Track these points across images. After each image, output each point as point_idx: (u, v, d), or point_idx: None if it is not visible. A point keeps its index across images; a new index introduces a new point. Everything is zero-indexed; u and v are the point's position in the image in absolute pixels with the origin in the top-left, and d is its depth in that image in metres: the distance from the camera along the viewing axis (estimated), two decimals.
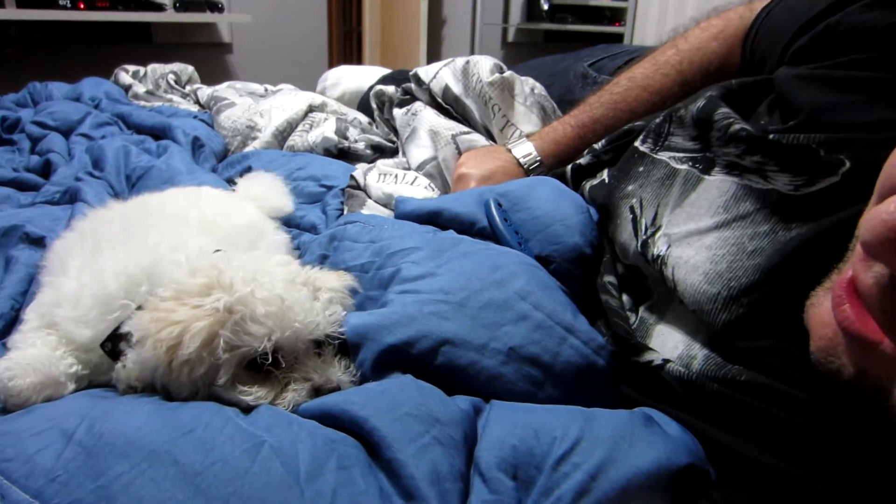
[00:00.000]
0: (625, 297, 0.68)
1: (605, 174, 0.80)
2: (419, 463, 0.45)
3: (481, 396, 0.56)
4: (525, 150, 0.99)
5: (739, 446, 0.53)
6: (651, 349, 0.60)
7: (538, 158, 0.98)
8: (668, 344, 0.60)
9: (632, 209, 0.68)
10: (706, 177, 0.64)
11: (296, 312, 0.54)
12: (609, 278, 0.69)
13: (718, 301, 0.55)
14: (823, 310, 0.46)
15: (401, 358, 0.57)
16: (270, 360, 0.53)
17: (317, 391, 0.54)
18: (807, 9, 0.72)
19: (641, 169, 0.72)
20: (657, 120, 0.75)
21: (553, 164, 0.98)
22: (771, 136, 0.59)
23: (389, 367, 0.57)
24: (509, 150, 1.00)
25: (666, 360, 0.58)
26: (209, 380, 0.52)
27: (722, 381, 0.54)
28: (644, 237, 0.65)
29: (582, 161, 0.90)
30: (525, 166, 0.98)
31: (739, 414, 0.53)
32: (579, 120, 0.99)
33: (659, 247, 0.63)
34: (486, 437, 0.50)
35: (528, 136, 1.03)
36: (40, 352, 0.56)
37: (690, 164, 0.67)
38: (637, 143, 0.76)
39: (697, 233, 0.61)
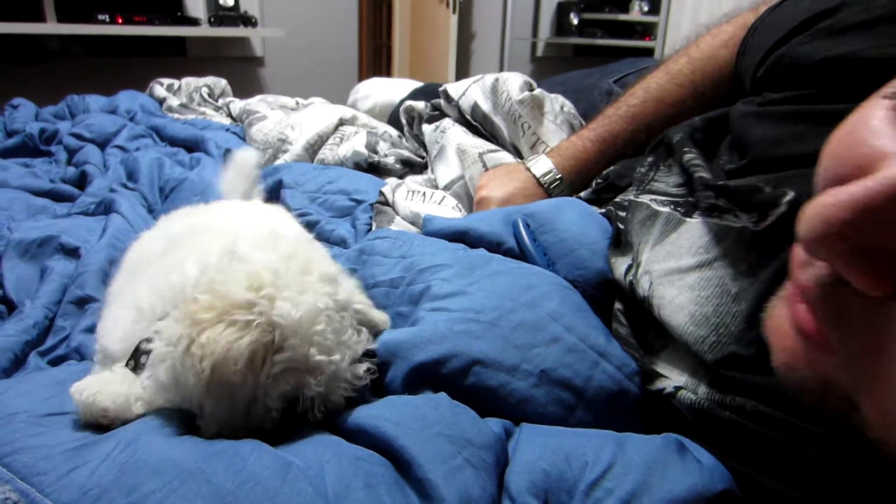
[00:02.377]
0: (633, 326, 0.67)
1: (605, 209, 0.80)
2: (449, 485, 0.45)
3: (511, 419, 0.55)
4: (544, 168, 0.97)
5: (762, 479, 0.51)
6: (663, 376, 0.59)
7: (558, 176, 0.96)
8: (674, 372, 0.59)
9: (632, 258, 0.68)
10: (688, 219, 0.64)
11: (343, 370, 0.52)
12: (618, 305, 0.68)
13: (706, 343, 0.54)
14: (780, 319, 0.43)
15: (431, 376, 0.57)
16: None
17: None
18: (775, 32, 0.72)
19: (630, 216, 0.72)
20: (642, 169, 0.75)
21: (574, 180, 0.97)
22: (721, 183, 0.59)
23: (420, 386, 0.57)
24: (528, 169, 0.98)
25: (677, 388, 0.57)
26: (254, 415, 0.50)
27: (731, 408, 0.52)
28: (630, 278, 0.64)
29: (583, 195, 0.89)
30: (545, 185, 0.96)
31: (755, 444, 0.51)
32: (598, 134, 0.97)
33: (643, 286, 0.62)
34: (517, 460, 0.50)
35: (546, 151, 1.02)
36: (110, 375, 0.55)
37: (672, 207, 0.67)
38: (631, 196, 0.75)
39: (679, 271, 0.60)
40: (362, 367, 0.55)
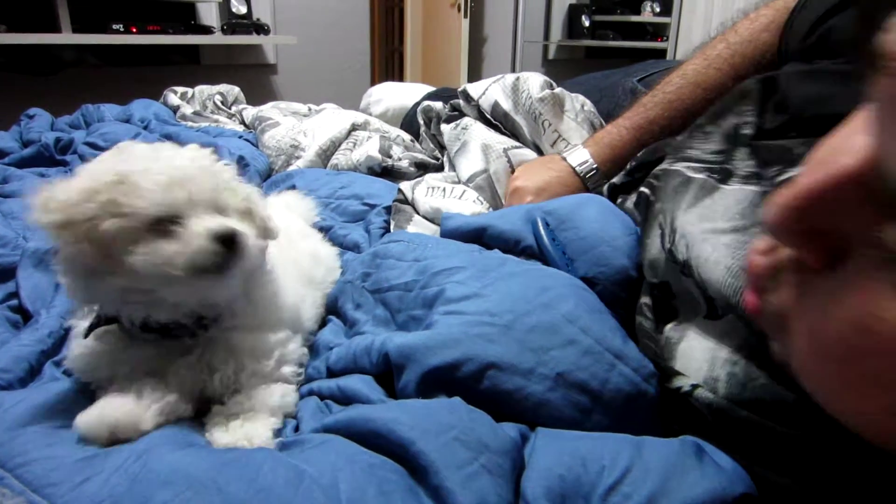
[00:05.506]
0: (658, 321, 0.66)
1: (639, 190, 0.79)
2: (466, 492, 0.44)
3: (527, 423, 0.54)
4: (581, 158, 0.97)
5: (778, 480, 0.50)
6: (680, 374, 0.58)
7: (594, 165, 0.96)
8: (693, 365, 0.58)
9: (660, 225, 0.67)
10: (723, 186, 0.63)
11: (189, 181, 0.56)
12: (645, 299, 0.67)
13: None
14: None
15: (445, 380, 0.56)
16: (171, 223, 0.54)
17: (217, 239, 0.55)
18: (826, 2, 0.71)
19: (662, 184, 0.71)
20: (680, 137, 0.74)
21: (609, 170, 0.96)
22: (754, 142, 0.59)
23: (434, 390, 0.56)
24: (564, 159, 0.98)
25: (695, 386, 0.56)
26: (119, 249, 0.53)
27: (748, 405, 0.51)
28: (669, 245, 0.63)
29: (616, 180, 0.88)
30: (581, 174, 0.96)
31: (772, 444, 0.50)
32: (634, 122, 0.97)
33: (681, 250, 0.61)
34: (533, 465, 0.49)
35: (582, 142, 1.02)
36: (112, 399, 0.55)
37: (707, 173, 0.66)
38: (664, 164, 0.74)
39: (713, 231, 0.59)
40: None
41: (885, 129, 0.28)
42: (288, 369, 0.65)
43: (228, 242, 0.55)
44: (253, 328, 0.64)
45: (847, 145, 0.33)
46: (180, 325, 0.59)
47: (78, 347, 0.61)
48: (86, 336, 0.59)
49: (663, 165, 0.74)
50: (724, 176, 0.64)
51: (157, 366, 0.59)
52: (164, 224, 0.54)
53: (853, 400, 0.34)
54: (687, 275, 0.60)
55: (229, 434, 0.54)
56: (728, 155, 0.66)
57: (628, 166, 0.88)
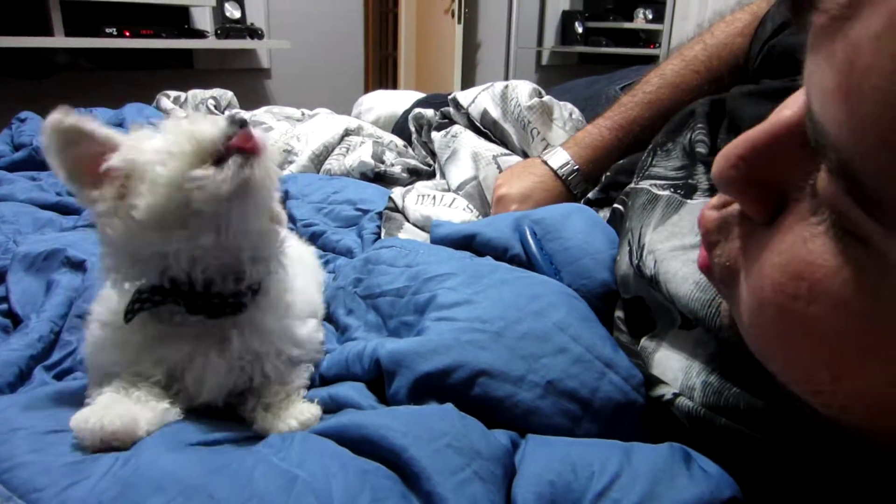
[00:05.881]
0: (633, 333, 0.67)
1: (613, 207, 0.80)
2: (458, 498, 0.44)
3: (517, 430, 0.55)
4: (561, 160, 0.98)
5: (759, 488, 0.50)
6: (663, 382, 0.58)
7: (575, 167, 0.97)
8: (668, 375, 0.58)
9: (629, 242, 0.68)
10: (688, 201, 0.64)
11: None
12: (619, 313, 0.67)
13: (713, 307, 0.54)
14: None
15: (437, 387, 0.56)
16: None
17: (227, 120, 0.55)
18: (773, 24, 0.75)
19: (630, 202, 0.72)
20: (643, 156, 0.76)
21: (590, 170, 0.97)
22: (710, 158, 0.60)
23: (425, 396, 0.57)
24: (545, 162, 0.99)
25: (676, 395, 0.56)
26: None
27: (725, 411, 0.51)
28: (637, 261, 0.64)
29: (591, 195, 0.90)
30: (563, 177, 0.97)
31: (750, 453, 0.50)
32: (615, 122, 0.98)
33: (649, 266, 0.61)
34: (523, 472, 0.49)
35: (562, 144, 1.03)
36: (108, 399, 0.54)
37: (672, 190, 0.67)
38: (632, 183, 0.76)
39: (682, 248, 0.59)
40: None
41: (811, 61, 0.29)
42: (319, 356, 0.67)
43: (239, 122, 0.53)
44: (282, 315, 0.63)
45: (791, 101, 0.34)
46: (229, 295, 0.57)
47: (96, 335, 0.59)
48: (127, 319, 0.55)
49: (631, 185, 0.75)
50: (689, 191, 0.65)
51: (182, 360, 0.57)
52: None
53: (786, 351, 0.36)
54: (655, 289, 0.61)
55: (282, 421, 0.56)
56: (690, 170, 0.67)
57: (603, 178, 0.89)
